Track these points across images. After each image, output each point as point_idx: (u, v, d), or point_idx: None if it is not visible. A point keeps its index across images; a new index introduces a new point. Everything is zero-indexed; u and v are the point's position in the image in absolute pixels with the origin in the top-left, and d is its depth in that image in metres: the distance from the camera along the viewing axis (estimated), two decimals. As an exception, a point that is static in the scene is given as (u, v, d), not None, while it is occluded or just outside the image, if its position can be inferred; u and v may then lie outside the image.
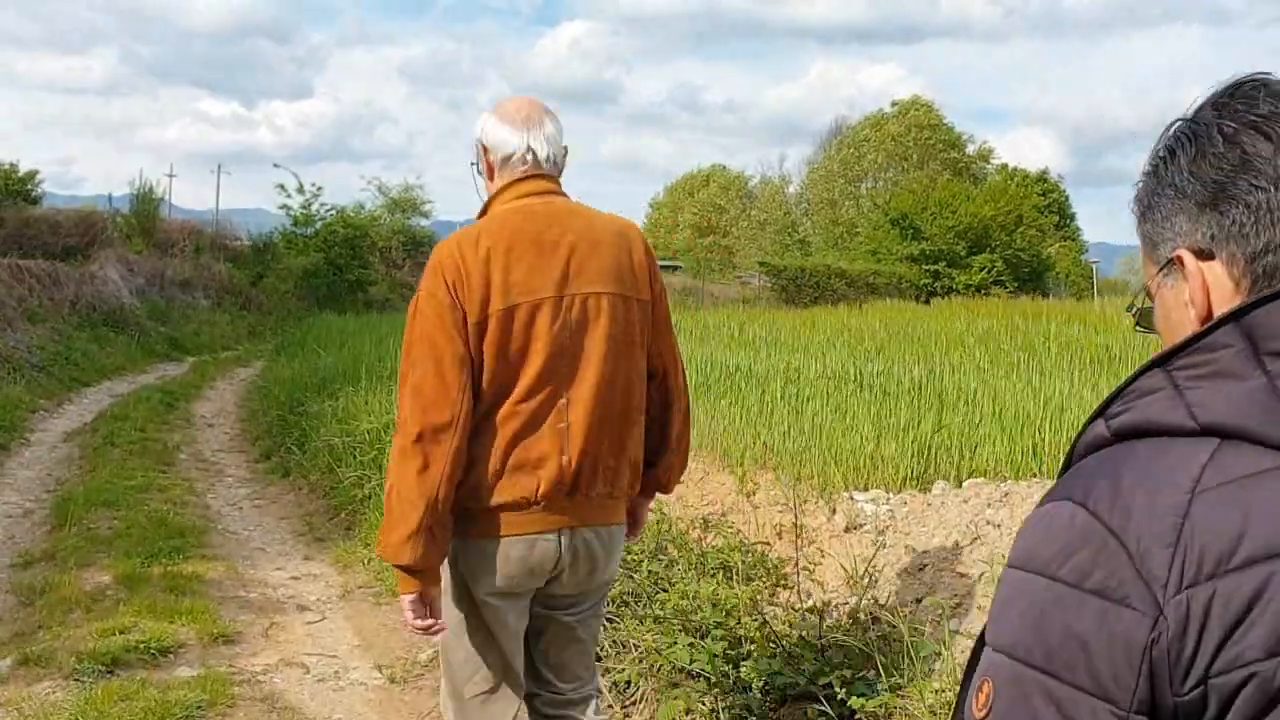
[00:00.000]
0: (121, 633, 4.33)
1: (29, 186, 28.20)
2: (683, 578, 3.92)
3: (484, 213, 2.40)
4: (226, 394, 12.88)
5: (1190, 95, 0.95)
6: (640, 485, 2.49)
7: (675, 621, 3.57)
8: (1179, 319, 0.93)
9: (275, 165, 27.08)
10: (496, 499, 2.28)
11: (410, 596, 2.30)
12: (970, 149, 53.63)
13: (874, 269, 39.05)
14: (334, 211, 26.73)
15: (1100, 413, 0.90)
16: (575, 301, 2.30)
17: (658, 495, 2.72)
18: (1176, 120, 0.94)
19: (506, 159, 2.37)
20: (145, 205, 24.26)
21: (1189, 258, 0.91)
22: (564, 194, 2.41)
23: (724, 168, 63.30)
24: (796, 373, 8.09)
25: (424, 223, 31.08)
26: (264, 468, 8.43)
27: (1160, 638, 0.78)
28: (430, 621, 2.33)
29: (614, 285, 2.35)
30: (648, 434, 2.47)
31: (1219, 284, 0.90)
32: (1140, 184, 0.97)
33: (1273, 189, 0.87)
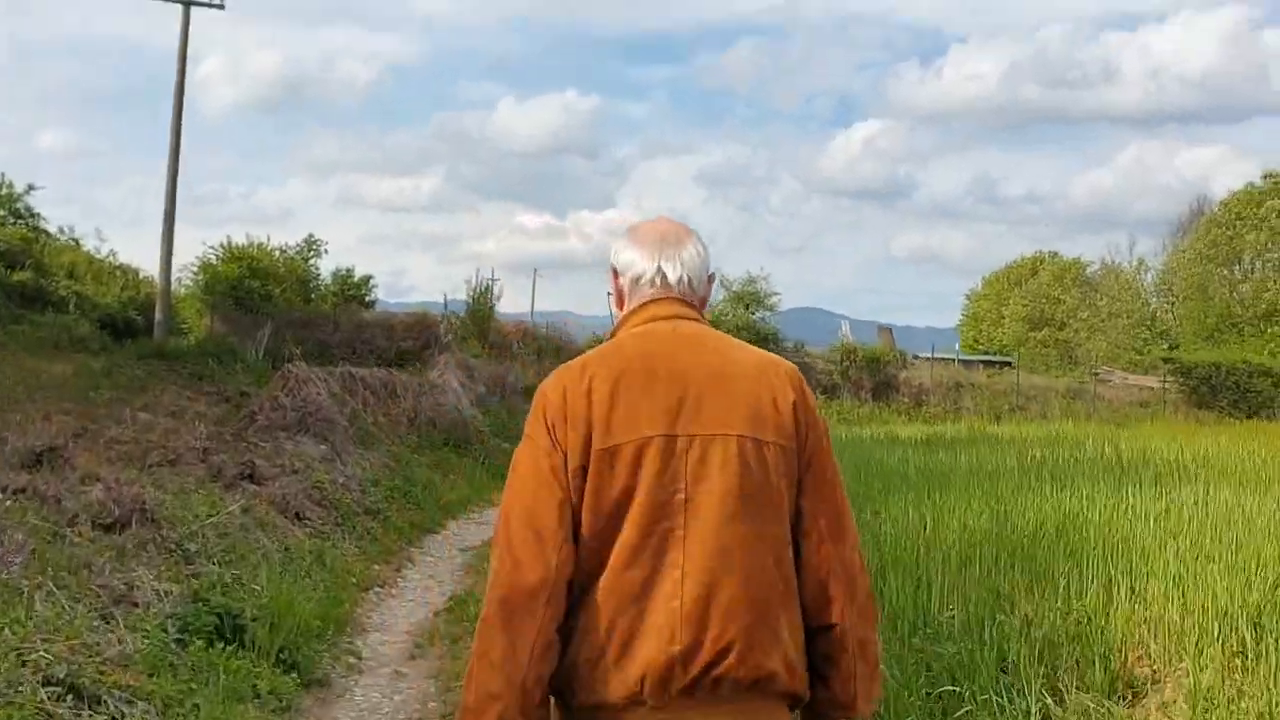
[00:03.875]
0: None
1: (363, 291, 27.58)
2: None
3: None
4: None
5: None
6: (815, 701, 1.95)
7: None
8: None
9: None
10: (592, 695, 1.84)
11: None
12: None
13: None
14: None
15: None
16: (693, 444, 1.88)
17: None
18: None
19: (635, 280, 2.08)
20: (480, 306, 22.52)
21: None
22: (699, 319, 2.07)
23: (1055, 254, 56.92)
24: None
25: (768, 317, 27.55)
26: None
27: None
28: None
29: (745, 427, 1.90)
30: (810, 630, 1.93)
31: None
32: None
33: None
